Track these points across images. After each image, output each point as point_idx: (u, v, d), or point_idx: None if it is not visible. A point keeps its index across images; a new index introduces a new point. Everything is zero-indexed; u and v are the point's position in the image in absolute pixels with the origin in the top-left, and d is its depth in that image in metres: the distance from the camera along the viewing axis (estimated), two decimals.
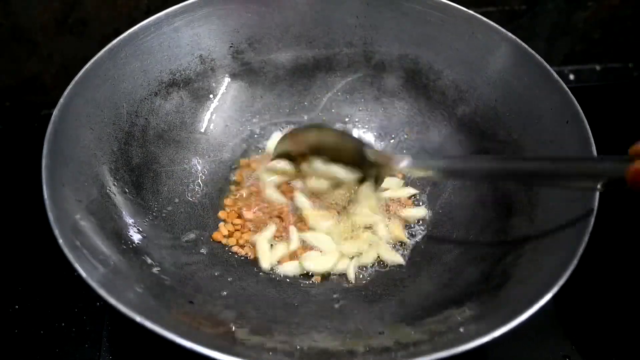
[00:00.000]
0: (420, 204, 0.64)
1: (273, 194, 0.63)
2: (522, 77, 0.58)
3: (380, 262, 0.59)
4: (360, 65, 0.67)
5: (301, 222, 0.61)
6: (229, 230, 0.61)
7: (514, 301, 0.45)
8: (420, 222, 0.62)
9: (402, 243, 0.61)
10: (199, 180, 0.63)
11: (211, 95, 0.66)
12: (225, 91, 0.66)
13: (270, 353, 0.44)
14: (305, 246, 0.60)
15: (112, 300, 0.40)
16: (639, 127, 0.80)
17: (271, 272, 0.58)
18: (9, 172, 0.73)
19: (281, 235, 0.61)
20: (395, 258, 0.59)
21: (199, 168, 0.64)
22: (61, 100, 0.51)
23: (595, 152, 0.50)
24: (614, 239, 0.66)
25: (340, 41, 0.66)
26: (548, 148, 0.55)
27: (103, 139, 0.55)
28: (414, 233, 0.61)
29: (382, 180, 0.60)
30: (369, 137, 0.69)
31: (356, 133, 0.69)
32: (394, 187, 0.65)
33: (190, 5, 0.61)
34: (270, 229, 0.60)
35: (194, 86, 0.64)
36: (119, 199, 0.54)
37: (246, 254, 0.59)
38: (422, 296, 0.54)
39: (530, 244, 0.51)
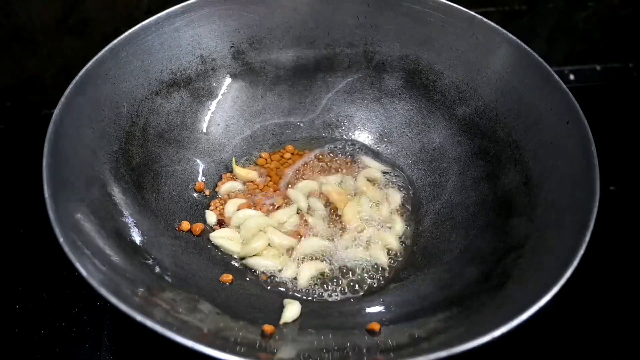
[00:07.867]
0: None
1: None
2: (522, 77, 0.58)
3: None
4: (360, 65, 0.67)
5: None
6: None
7: (514, 301, 0.45)
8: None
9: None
10: (200, 180, 0.64)
11: (212, 95, 0.66)
12: (226, 91, 0.66)
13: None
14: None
15: (113, 300, 0.40)
16: (639, 127, 0.80)
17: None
18: (9, 172, 0.73)
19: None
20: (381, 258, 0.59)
21: (200, 168, 0.64)
22: (62, 99, 0.51)
23: (595, 152, 0.50)
24: (614, 239, 0.66)
25: (341, 41, 0.66)
26: (548, 148, 0.55)
27: (104, 139, 0.55)
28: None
29: None
30: (368, 137, 0.69)
31: (356, 133, 0.69)
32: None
33: (191, 5, 0.61)
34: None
35: (194, 86, 0.64)
36: (119, 199, 0.54)
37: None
38: (422, 296, 0.54)
39: (530, 244, 0.51)
